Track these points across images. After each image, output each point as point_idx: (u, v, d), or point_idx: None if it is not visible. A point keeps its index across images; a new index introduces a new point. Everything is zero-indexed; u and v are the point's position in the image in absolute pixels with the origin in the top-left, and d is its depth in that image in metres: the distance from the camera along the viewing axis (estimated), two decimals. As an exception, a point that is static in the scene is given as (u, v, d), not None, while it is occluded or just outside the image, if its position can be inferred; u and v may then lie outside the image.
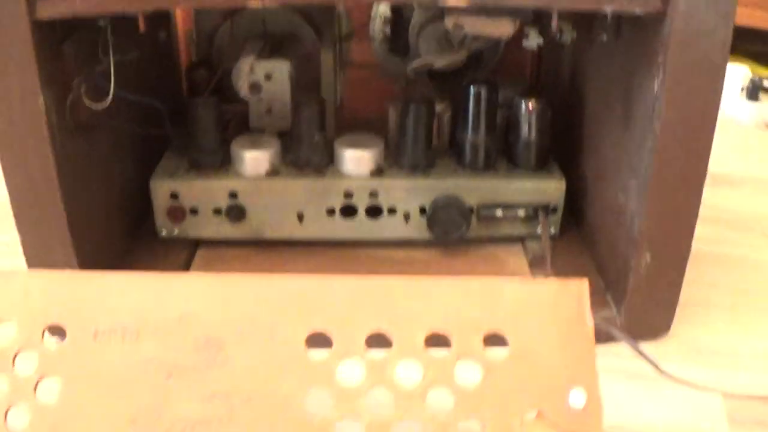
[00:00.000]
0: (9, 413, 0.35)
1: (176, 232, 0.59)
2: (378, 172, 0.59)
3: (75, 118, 0.49)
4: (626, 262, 0.51)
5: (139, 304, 0.35)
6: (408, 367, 0.35)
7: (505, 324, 0.35)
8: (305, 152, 0.58)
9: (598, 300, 0.55)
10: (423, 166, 0.59)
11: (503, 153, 0.61)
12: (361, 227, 0.59)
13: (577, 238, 0.62)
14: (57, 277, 0.36)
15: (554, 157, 0.62)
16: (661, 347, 0.54)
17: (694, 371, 0.52)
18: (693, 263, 0.53)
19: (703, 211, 0.50)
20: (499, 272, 0.58)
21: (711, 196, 0.66)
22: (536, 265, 0.59)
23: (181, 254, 0.59)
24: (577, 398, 0.35)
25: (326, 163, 0.59)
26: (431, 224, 0.59)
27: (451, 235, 0.58)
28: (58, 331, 0.36)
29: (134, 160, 0.61)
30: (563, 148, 0.63)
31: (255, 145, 0.59)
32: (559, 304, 0.36)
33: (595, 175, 0.60)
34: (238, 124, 0.62)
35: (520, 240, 0.61)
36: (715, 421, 0.48)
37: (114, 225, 0.58)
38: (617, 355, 0.51)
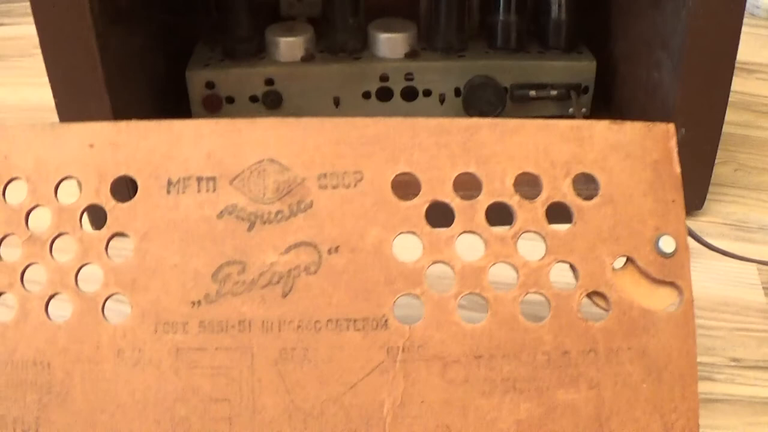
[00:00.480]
0: (79, 274, 0.33)
1: (213, 121, 0.56)
2: (412, 54, 0.57)
3: (115, 5, 0.48)
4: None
5: (213, 152, 0.33)
6: (497, 208, 0.33)
7: (595, 166, 0.33)
8: (340, 37, 0.56)
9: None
10: (456, 47, 0.57)
11: (534, 35, 0.59)
12: (397, 110, 0.57)
13: (608, 118, 0.60)
14: (122, 127, 0.33)
15: (584, 39, 0.60)
16: (695, 222, 0.54)
17: (727, 245, 0.51)
18: (721, 145, 0.53)
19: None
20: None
21: (734, 84, 0.65)
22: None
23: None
24: (666, 245, 0.33)
25: (361, 47, 0.57)
26: (467, 105, 0.57)
27: (487, 115, 0.56)
28: (127, 185, 0.33)
29: (168, 53, 0.59)
30: (593, 29, 0.61)
31: (289, 31, 0.57)
32: (647, 146, 0.34)
33: (625, 54, 0.58)
34: (267, 15, 0.59)
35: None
36: (752, 292, 0.49)
37: (153, 117, 0.56)
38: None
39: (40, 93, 0.50)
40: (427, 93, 0.57)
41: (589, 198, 0.33)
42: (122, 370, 0.32)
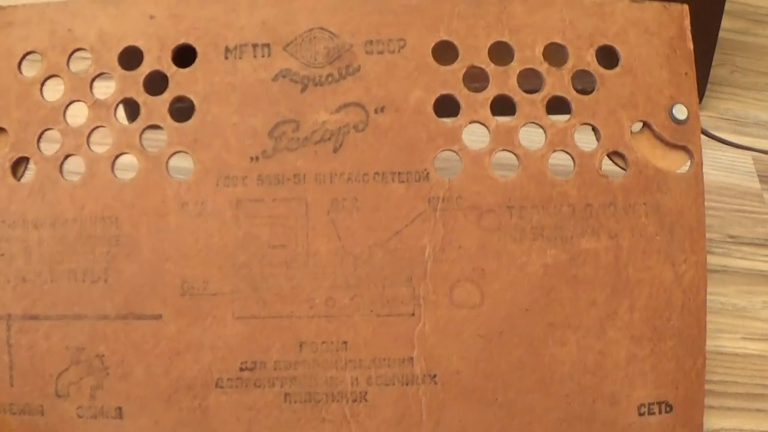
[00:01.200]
0: (143, 135, 0.36)
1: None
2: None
3: None
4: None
5: (267, 20, 0.35)
6: (527, 75, 0.36)
7: (616, 39, 0.36)
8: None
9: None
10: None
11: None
12: None
13: None
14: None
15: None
16: None
17: (724, 137, 0.56)
18: (719, 49, 0.57)
19: (726, 6, 0.54)
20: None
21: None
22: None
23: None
24: (679, 112, 0.37)
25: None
26: None
27: None
28: (187, 51, 0.36)
29: None
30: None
31: None
32: (663, 23, 0.37)
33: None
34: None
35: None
36: (748, 179, 0.54)
37: None
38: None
39: None
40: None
41: (610, 67, 0.36)
42: (186, 221, 0.35)
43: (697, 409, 0.35)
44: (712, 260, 0.47)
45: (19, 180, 0.36)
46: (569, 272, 0.35)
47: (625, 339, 0.35)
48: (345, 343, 0.35)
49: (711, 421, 0.40)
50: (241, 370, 0.35)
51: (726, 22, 0.65)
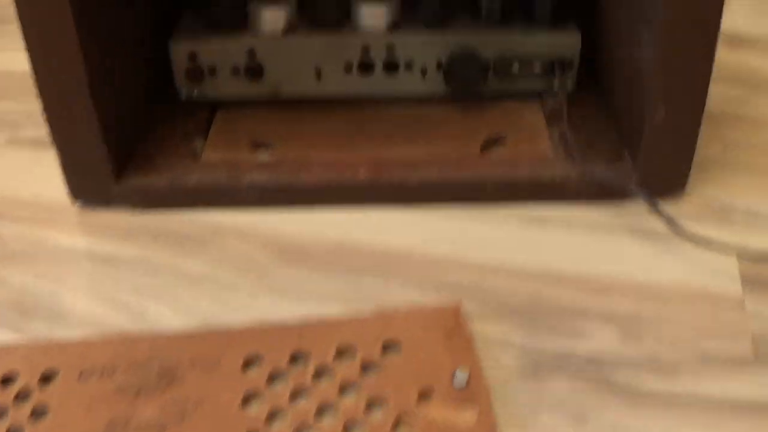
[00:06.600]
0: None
1: (196, 93, 0.68)
2: (395, 26, 0.66)
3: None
4: (641, 117, 0.58)
5: (114, 352, 0.51)
6: (322, 369, 0.49)
7: (399, 333, 0.50)
8: (322, 8, 0.65)
9: (614, 155, 0.62)
10: (439, 20, 0.66)
11: (519, 7, 0.67)
12: (378, 83, 0.67)
13: (593, 93, 0.70)
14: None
15: (570, 12, 0.67)
16: (676, 206, 0.60)
17: (709, 230, 0.57)
18: (710, 123, 0.60)
19: (720, 71, 0.59)
20: (517, 127, 0.67)
21: (728, 57, 0.71)
22: (553, 120, 0.67)
23: (202, 115, 0.69)
24: (461, 381, 0.47)
25: (343, 18, 0.66)
26: (448, 78, 0.66)
27: (468, 89, 0.67)
28: (53, 375, 0.50)
29: (151, 24, 0.69)
30: (579, 3, 0.69)
31: (272, 1, 0.65)
32: (439, 318, 0.51)
33: (610, 29, 0.66)
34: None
35: (538, 95, 0.69)
36: (728, 283, 0.53)
37: (135, 90, 0.66)
38: (631, 213, 0.59)
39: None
40: (409, 66, 0.66)
41: (395, 354, 0.48)
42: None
43: None
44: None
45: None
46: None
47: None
48: None
49: None
50: None
51: (719, 90, 0.64)
